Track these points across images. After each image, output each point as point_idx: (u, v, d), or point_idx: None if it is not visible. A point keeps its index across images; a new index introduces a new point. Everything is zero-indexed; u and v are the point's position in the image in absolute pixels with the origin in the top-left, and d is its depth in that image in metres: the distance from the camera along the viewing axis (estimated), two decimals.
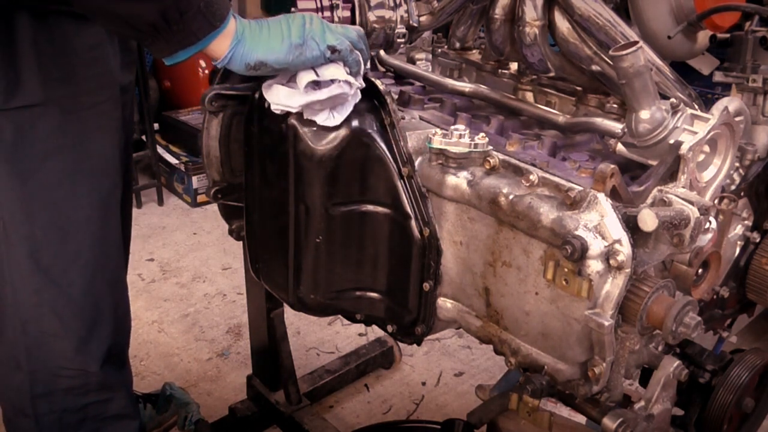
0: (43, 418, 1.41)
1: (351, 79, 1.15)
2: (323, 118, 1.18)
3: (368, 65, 1.22)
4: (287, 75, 1.19)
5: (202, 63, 3.75)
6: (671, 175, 1.12)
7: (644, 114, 1.14)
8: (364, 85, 1.19)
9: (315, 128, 1.20)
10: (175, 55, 1.07)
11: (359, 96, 1.20)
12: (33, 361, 1.37)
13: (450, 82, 1.50)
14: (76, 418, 1.43)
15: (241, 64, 1.11)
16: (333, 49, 1.12)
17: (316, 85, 1.15)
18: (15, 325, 1.35)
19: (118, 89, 1.31)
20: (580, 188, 1.05)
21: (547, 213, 1.04)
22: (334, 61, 1.14)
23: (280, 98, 1.18)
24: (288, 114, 1.23)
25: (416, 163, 1.20)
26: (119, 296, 1.44)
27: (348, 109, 1.18)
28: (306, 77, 1.14)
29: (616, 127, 1.23)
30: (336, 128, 1.20)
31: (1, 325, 1.38)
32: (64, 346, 1.37)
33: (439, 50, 1.62)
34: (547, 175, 1.10)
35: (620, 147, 1.21)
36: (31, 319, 1.33)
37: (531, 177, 1.09)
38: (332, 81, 1.15)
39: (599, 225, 0.99)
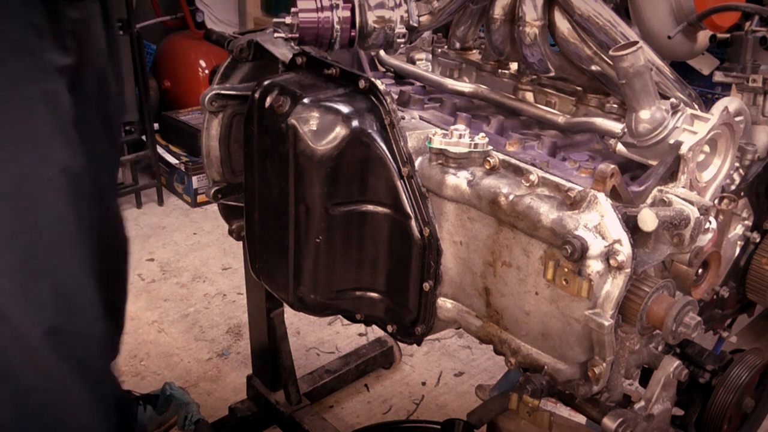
0: None
1: None
2: None
3: None
4: None
5: (202, 63, 3.75)
6: (671, 175, 1.12)
7: (644, 114, 1.14)
8: None
9: (315, 128, 1.20)
10: None
11: None
12: None
13: (450, 82, 1.50)
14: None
15: None
16: None
17: None
18: None
19: (47, 70, 1.30)
20: (580, 188, 1.04)
21: (547, 213, 1.04)
22: None
23: None
24: (288, 114, 1.23)
25: (416, 163, 1.20)
26: (66, 274, 1.39)
27: None
28: None
29: (616, 127, 1.23)
30: (336, 128, 1.20)
31: None
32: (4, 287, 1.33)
33: (439, 50, 1.62)
34: (547, 175, 1.10)
35: (620, 147, 1.21)
36: None
37: (531, 177, 1.09)
38: None
39: (599, 225, 0.99)
